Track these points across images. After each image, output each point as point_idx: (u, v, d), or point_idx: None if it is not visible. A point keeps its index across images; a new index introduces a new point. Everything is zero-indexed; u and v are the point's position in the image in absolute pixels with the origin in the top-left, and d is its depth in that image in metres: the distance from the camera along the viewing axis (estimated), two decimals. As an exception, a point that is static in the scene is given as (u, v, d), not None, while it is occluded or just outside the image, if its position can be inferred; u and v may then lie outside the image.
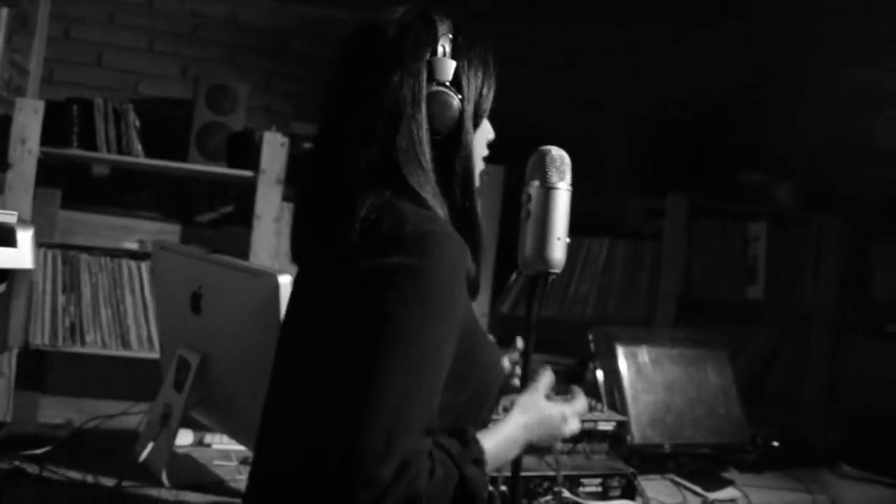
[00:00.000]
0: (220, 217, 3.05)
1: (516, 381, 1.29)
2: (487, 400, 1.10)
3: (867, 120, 3.04)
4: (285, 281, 1.36)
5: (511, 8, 3.17)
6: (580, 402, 1.23)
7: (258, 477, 1.13)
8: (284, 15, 3.09)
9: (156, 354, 2.31)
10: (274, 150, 2.64)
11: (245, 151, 2.67)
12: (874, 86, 3.03)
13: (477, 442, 1.01)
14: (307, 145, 2.65)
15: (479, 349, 1.08)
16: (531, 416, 1.13)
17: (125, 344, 2.53)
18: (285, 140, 2.65)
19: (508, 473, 1.28)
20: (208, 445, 1.82)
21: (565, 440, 1.26)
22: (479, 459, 0.99)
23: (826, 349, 3.11)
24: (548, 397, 1.20)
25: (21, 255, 1.31)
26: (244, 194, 2.79)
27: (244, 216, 2.76)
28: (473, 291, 1.10)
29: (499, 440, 1.06)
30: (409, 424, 0.89)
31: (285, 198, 2.66)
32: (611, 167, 3.23)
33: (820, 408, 3.06)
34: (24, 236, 1.33)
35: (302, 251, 1.17)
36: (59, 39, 2.89)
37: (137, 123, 2.59)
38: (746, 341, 3.08)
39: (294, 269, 1.22)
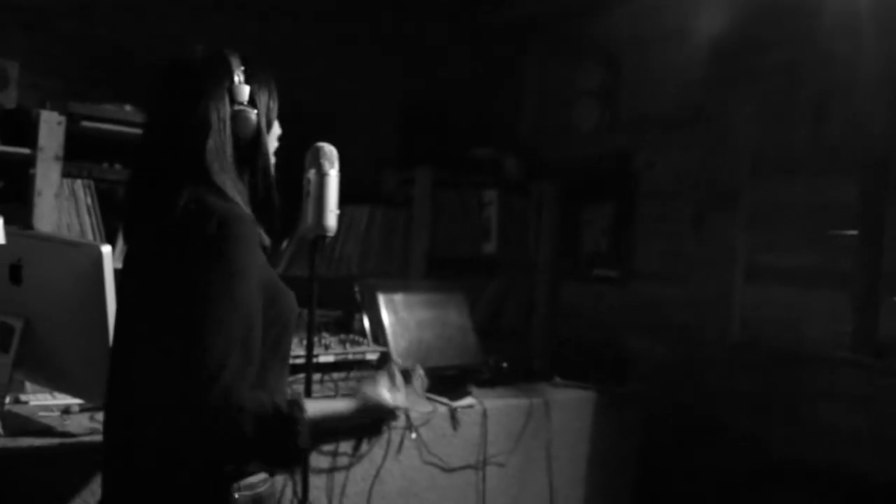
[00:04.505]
0: (-13, 193, 3.04)
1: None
2: (286, 332, 1.46)
3: (569, 108, 3.70)
4: (107, 251, 1.64)
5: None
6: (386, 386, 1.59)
7: (119, 421, 1.39)
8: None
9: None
10: (51, 128, 2.72)
11: (21, 129, 2.73)
12: (573, 81, 3.73)
13: (301, 408, 1.32)
14: (85, 123, 2.79)
15: (278, 297, 1.44)
16: (361, 404, 1.52)
17: None
18: (62, 118, 2.75)
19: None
20: (25, 402, 2.00)
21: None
22: (300, 419, 1.30)
23: (547, 291, 3.75)
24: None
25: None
26: (15, 171, 2.83)
27: (15, 192, 2.81)
28: (268, 255, 1.47)
29: (323, 409, 1.43)
30: (236, 347, 1.23)
31: (65, 174, 2.78)
32: (370, 144, 3.64)
33: (543, 337, 3.68)
34: (-2, 221, 1.56)
35: (132, 232, 1.46)
36: None
37: None
38: (484, 288, 3.64)
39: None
